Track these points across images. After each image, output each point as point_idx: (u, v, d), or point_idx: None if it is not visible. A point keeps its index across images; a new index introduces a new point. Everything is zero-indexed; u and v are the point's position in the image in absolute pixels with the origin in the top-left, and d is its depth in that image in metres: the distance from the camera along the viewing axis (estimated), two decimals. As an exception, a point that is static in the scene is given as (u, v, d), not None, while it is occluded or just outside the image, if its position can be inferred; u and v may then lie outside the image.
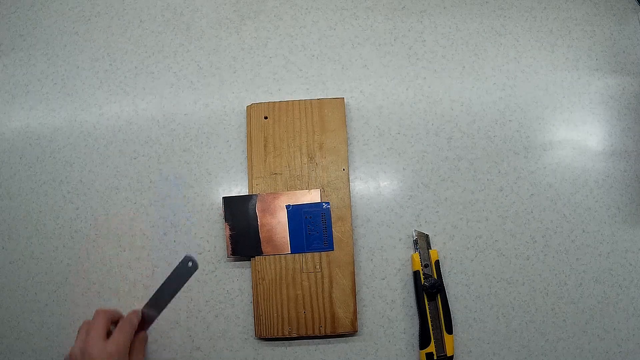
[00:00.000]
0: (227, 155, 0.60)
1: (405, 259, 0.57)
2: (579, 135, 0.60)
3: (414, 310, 0.56)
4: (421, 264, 0.56)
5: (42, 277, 0.59)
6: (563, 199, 0.58)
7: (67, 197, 0.61)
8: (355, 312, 0.55)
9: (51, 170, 0.61)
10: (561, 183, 0.59)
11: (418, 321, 0.55)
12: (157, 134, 0.61)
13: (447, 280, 0.57)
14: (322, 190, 0.57)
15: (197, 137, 0.61)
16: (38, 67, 0.65)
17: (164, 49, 0.64)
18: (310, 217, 0.56)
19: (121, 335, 0.50)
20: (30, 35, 0.66)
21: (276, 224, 0.56)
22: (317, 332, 0.54)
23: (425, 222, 0.58)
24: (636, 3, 0.64)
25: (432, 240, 0.57)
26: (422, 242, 0.56)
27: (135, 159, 0.61)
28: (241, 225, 0.56)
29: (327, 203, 0.56)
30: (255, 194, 0.57)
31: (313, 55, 0.63)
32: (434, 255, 0.56)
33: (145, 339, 0.54)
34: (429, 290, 0.54)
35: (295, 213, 0.56)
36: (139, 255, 0.59)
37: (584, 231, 0.58)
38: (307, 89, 0.62)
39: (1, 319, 0.58)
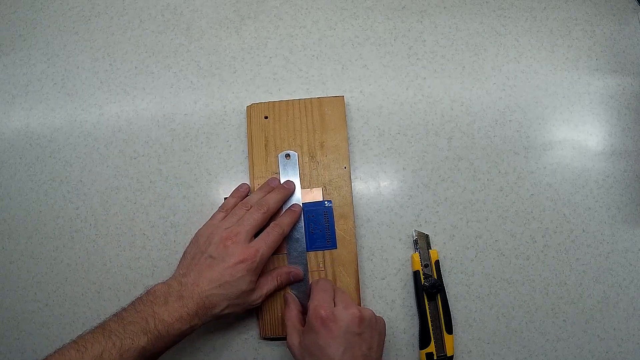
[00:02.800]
0: (227, 155, 0.60)
1: (405, 259, 0.57)
2: (579, 135, 0.60)
3: (414, 310, 0.56)
4: (421, 264, 0.56)
5: (42, 277, 0.59)
6: (563, 199, 0.58)
7: (67, 197, 0.60)
8: None
9: (51, 170, 0.61)
10: (561, 183, 0.59)
11: (418, 321, 0.55)
12: (157, 134, 0.61)
13: (447, 280, 0.57)
14: (324, 188, 0.57)
15: (197, 137, 0.61)
16: (38, 67, 0.65)
17: (164, 49, 0.64)
18: (313, 216, 0.56)
19: (263, 242, 0.50)
20: (30, 35, 0.66)
21: (277, 214, 0.56)
22: None
23: (425, 222, 0.58)
24: (636, 3, 0.64)
25: (432, 240, 0.57)
26: (422, 242, 0.56)
27: (135, 159, 0.61)
28: (241, 225, 0.56)
29: (329, 201, 0.56)
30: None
31: (313, 55, 0.63)
32: (434, 255, 0.56)
33: (290, 276, 0.53)
34: (429, 290, 0.54)
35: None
36: (139, 255, 0.59)
37: (584, 231, 0.58)
38: (307, 88, 0.62)
39: (1, 319, 0.58)
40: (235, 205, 0.54)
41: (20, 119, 0.63)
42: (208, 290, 0.47)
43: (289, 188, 0.55)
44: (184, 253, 0.52)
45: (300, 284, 0.54)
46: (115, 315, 0.46)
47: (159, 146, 0.61)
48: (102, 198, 0.60)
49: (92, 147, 0.62)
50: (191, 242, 0.52)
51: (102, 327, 0.44)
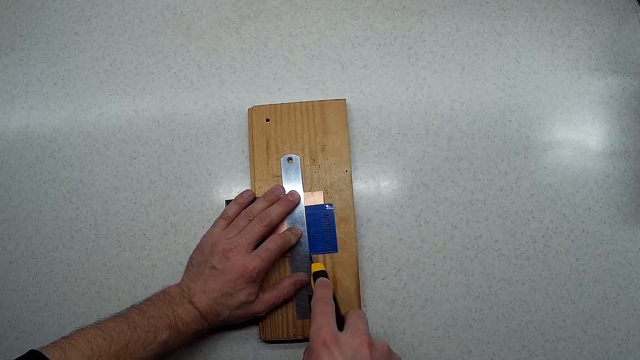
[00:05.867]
0: (227, 155, 0.60)
1: (405, 259, 0.57)
2: (579, 135, 0.60)
3: (414, 310, 0.56)
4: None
5: (42, 277, 0.59)
6: (563, 199, 0.58)
7: (67, 197, 0.60)
8: None
9: (51, 170, 0.61)
10: (561, 183, 0.59)
11: (418, 321, 0.55)
12: (157, 134, 0.61)
13: (447, 280, 0.57)
14: (325, 191, 0.57)
15: (197, 137, 0.61)
16: (38, 67, 0.65)
17: (164, 49, 0.64)
18: (314, 220, 0.56)
19: (259, 258, 0.50)
20: (30, 35, 0.66)
21: (279, 226, 0.56)
22: None
23: (425, 222, 0.58)
24: (636, 3, 0.64)
25: (432, 240, 0.57)
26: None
27: (135, 159, 0.61)
28: (243, 227, 0.56)
29: (331, 205, 0.56)
30: (258, 197, 0.56)
31: (313, 56, 0.63)
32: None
33: (297, 283, 0.54)
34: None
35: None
36: (139, 255, 0.59)
37: (584, 231, 0.58)
38: (307, 89, 0.62)
39: (1, 319, 0.58)
40: (237, 213, 0.54)
41: (20, 119, 0.63)
42: (213, 299, 0.49)
43: (293, 201, 0.55)
44: (190, 258, 0.53)
45: (303, 290, 0.55)
46: (135, 308, 0.47)
47: (159, 146, 0.61)
48: (102, 198, 0.60)
49: (92, 147, 0.62)
50: (197, 248, 0.54)
51: (125, 318, 0.45)
